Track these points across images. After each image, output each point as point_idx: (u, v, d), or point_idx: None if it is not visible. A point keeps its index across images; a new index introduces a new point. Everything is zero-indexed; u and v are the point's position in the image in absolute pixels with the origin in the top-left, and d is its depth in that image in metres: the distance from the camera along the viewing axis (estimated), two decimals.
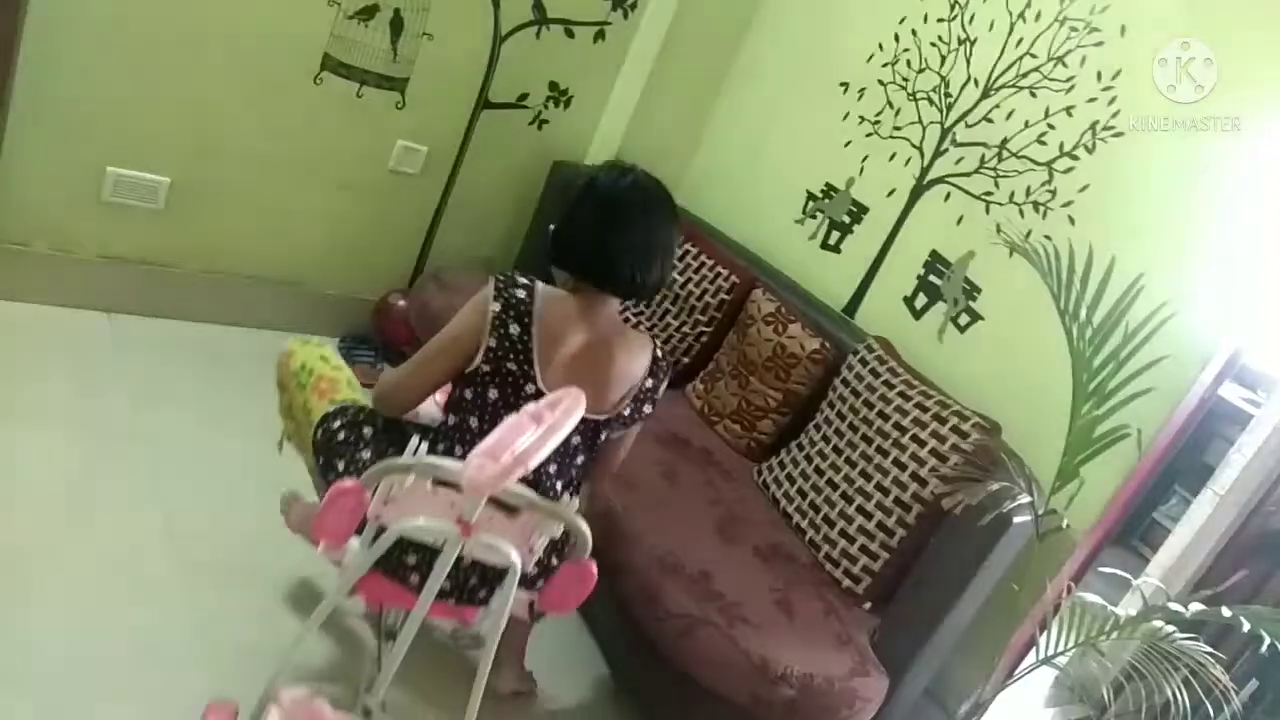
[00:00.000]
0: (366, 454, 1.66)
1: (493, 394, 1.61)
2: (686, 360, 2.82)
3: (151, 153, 2.59)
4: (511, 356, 1.60)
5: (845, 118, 2.81)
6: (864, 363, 2.39)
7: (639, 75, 3.13)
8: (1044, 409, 2.13)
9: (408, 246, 3.15)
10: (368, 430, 1.70)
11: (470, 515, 1.38)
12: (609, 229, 1.66)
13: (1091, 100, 2.29)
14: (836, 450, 2.31)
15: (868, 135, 2.76)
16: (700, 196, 3.16)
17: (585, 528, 1.46)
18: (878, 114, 2.74)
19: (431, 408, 1.78)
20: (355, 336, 3.14)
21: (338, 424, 1.71)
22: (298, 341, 1.92)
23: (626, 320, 2.82)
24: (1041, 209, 2.34)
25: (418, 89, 2.85)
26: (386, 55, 2.76)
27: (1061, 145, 2.33)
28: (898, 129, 2.69)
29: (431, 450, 1.54)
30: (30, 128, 2.39)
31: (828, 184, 2.84)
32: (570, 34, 3.01)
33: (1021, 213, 2.37)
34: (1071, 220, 2.28)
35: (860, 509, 2.19)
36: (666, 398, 2.75)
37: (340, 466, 1.66)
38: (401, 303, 3.12)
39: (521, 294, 1.61)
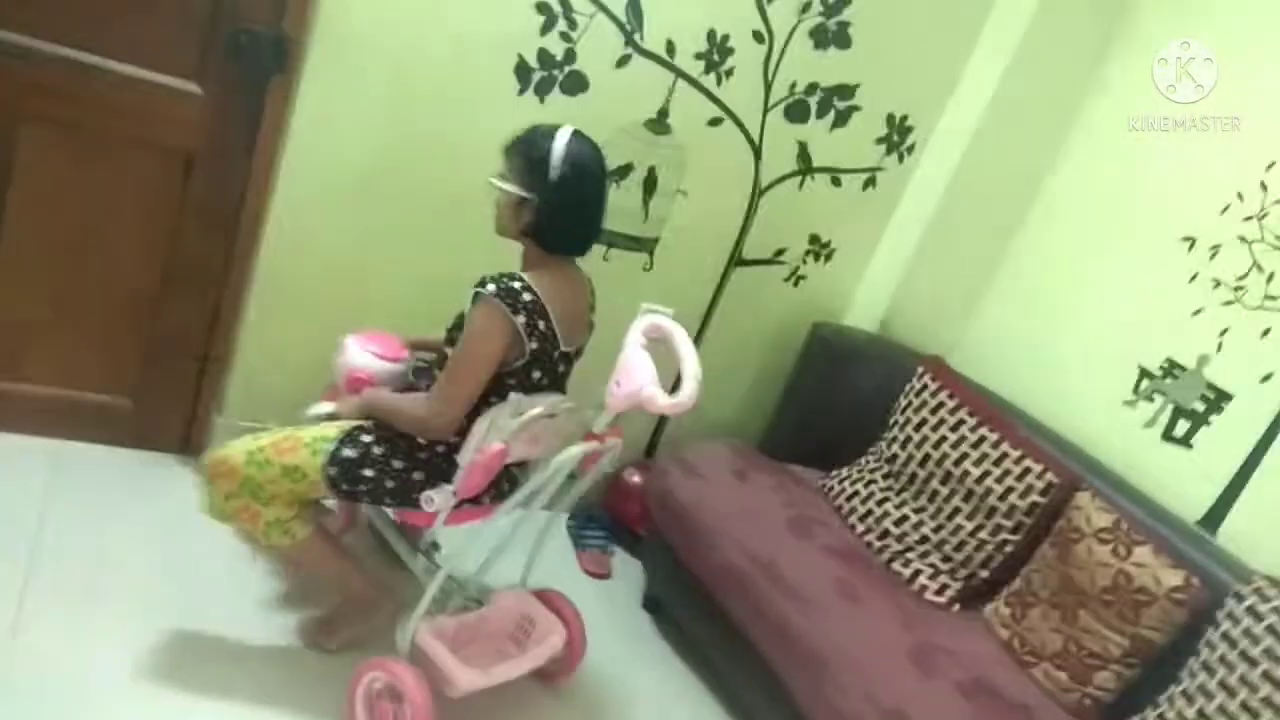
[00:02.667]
0: (380, 450, 1.82)
1: (536, 374, 1.84)
2: (985, 574, 2.30)
3: (392, 325, 2.40)
4: (546, 344, 1.82)
5: (1192, 280, 2.27)
6: (1255, 614, 1.78)
7: (913, 223, 2.71)
8: None
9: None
10: (367, 438, 1.83)
11: (604, 428, 1.87)
12: (600, 204, 1.89)
13: None
14: None
15: (1226, 303, 2.20)
16: (987, 364, 2.66)
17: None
18: (1240, 278, 2.18)
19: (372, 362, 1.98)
20: (585, 514, 2.82)
21: (345, 451, 1.81)
22: (216, 451, 1.85)
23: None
24: None
25: (667, 249, 2.57)
26: (637, 215, 2.50)
27: None
28: (1271, 299, 2.12)
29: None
30: (269, 303, 2.26)
31: (1170, 360, 2.28)
32: (837, 182, 2.66)
33: None
34: None
35: None
36: (960, 621, 2.27)
37: (370, 473, 1.81)
38: (637, 479, 2.78)
39: (528, 297, 1.78)
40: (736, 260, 2.67)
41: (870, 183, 2.69)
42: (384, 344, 2.00)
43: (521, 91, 2.23)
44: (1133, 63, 2.48)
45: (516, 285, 1.78)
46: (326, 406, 1.95)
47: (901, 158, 2.69)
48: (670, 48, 2.32)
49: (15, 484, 2.13)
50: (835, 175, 2.64)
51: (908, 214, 2.74)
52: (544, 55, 2.21)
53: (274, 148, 2.12)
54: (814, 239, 2.72)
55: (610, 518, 2.81)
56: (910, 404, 2.50)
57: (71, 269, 2.13)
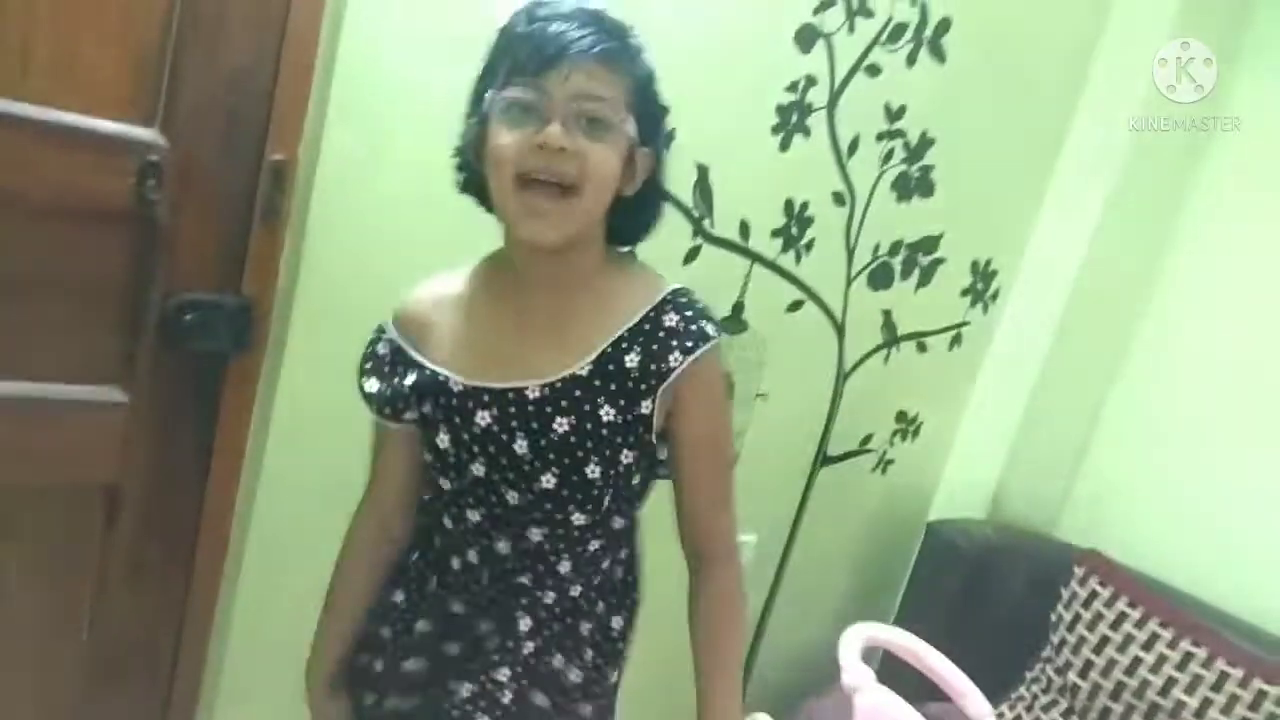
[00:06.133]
0: None
1: None
2: None
3: None
4: None
5: None
6: None
7: (1009, 378, 2.27)
8: None
9: None
10: None
11: None
12: None
13: None
14: None
15: None
16: (1133, 541, 2.18)
17: None
18: None
19: None
20: None
21: None
22: None
23: None
24: None
25: (748, 467, 2.01)
26: None
27: None
28: None
29: None
30: (238, 686, 1.54)
31: None
32: (922, 348, 2.19)
33: None
34: None
35: None
36: None
37: None
38: None
39: None
40: (822, 459, 2.14)
41: (956, 341, 2.24)
42: None
43: None
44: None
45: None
46: None
47: (986, 307, 2.25)
48: (744, 229, 1.79)
49: None
50: (921, 341, 2.17)
51: (1000, 368, 2.29)
52: None
53: (236, 461, 1.44)
54: (900, 416, 2.24)
55: None
56: (1078, 616, 2.02)
57: None
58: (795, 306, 1.93)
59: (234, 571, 1.48)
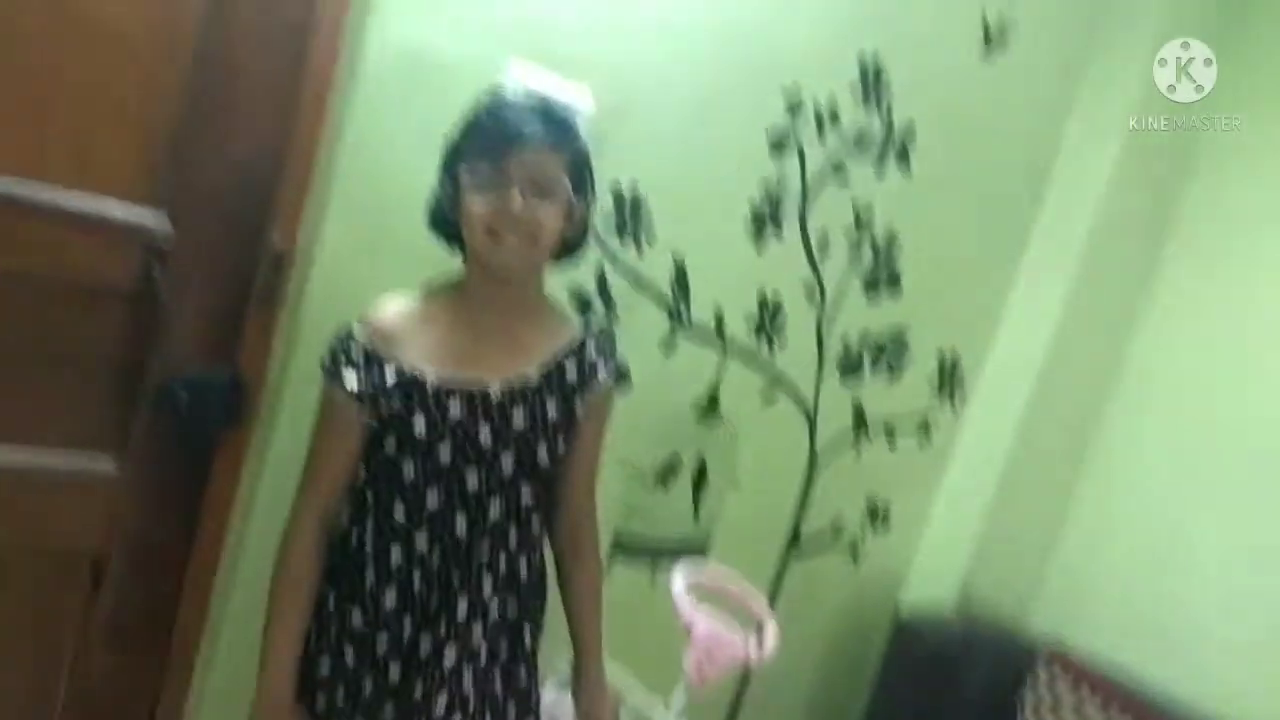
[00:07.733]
0: None
1: None
2: None
3: None
4: None
5: None
6: None
7: (978, 473, 2.33)
8: None
9: None
10: None
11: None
12: None
13: None
14: None
15: None
16: (1100, 631, 2.22)
17: None
18: None
19: None
20: None
21: None
22: None
23: None
24: None
25: (719, 550, 2.06)
26: (687, 518, 1.99)
27: None
28: None
29: None
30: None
31: None
32: (891, 439, 2.26)
33: None
34: None
35: None
36: None
37: None
38: None
39: None
40: (793, 547, 2.18)
41: (924, 432, 2.31)
42: None
43: None
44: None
45: None
46: None
47: (953, 401, 2.33)
48: (719, 321, 1.88)
49: None
50: (890, 430, 2.24)
51: (968, 460, 2.36)
52: None
53: (220, 534, 1.48)
54: (871, 507, 2.29)
55: None
56: (1041, 704, 2.05)
57: None
58: (768, 397, 2.01)
59: (211, 642, 1.51)
